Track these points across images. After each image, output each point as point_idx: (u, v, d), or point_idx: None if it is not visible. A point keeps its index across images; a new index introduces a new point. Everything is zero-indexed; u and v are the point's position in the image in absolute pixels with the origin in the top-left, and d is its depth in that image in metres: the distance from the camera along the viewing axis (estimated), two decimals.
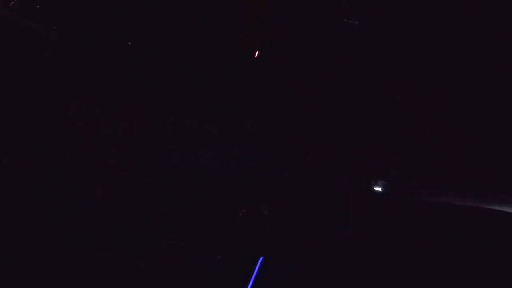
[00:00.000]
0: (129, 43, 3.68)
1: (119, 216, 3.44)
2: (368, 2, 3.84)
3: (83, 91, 3.53)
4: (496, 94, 3.69)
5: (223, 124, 3.89)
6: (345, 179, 3.68)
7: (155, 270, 3.21)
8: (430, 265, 3.07)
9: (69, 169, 3.38)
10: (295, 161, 3.79)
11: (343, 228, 3.28)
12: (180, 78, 3.85)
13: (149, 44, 3.74)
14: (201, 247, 3.34)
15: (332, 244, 3.23)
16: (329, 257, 3.17)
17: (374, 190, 3.66)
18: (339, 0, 3.87)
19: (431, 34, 3.70)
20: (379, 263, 3.10)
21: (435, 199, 3.51)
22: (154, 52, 3.77)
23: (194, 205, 3.55)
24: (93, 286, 3.07)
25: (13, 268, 2.98)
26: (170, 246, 3.38)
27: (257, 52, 3.87)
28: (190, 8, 3.80)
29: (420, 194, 3.59)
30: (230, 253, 3.26)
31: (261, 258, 3.06)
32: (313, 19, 3.90)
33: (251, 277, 2.99)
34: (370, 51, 3.85)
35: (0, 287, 2.94)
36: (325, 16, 3.90)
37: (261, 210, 3.43)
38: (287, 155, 3.82)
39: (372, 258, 3.12)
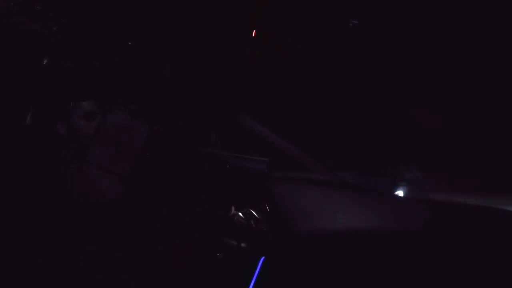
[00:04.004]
0: (129, 43, 3.67)
1: (120, 216, 3.43)
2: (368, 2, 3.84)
3: (85, 91, 3.52)
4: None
5: (223, 123, 3.89)
6: (350, 178, 3.68)
7: (155, 269, 3.21)
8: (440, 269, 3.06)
9: (70, 168, 3.37)
10: (297, 160, 3.79)
11: (346, 228, 3.28)
12: (180, 77, 3.85)
13: (149, 43, 3.73)
14: (201, 247, 3.33)
15: (334, 244, 3.23)
16: (331, 257, 3.17)
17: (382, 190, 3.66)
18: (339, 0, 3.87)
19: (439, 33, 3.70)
20: (384, 264, 3.09)
21: (453, 200, 3.50)
22: (154, 52, 3.76)
23: (195, 204, 3.54)
24: (93, 285, 3.06)
25: (13, 267, 2.97)
26: (170, 245, 3.37)
27: (253, 31, 3.85)
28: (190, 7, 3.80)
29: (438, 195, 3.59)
30: (231, 253, 3.25)
31: (262, 258, 3.06)
32: (313, 19, 3.90)
33: (253, 277, 2.99)
34: (373, 49, 3.85)
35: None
36: (324, 16, 3.90)
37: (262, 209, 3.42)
38: (289, 154, 3.82)
39: (376, 260, 3.11)
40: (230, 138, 3.89)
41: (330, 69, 3.93)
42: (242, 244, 3.31)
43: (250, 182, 3.60)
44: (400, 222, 3.33)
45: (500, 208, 3.39)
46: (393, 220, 3.34)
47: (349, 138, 3.93)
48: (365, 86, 3.92)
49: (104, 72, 3.58)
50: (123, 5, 3.64)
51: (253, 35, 3.90)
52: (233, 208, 3.54)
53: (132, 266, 3.21)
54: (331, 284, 3.11)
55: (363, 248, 3.21)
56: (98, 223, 3.35)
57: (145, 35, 3.71)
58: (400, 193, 3.72)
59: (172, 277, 3.20)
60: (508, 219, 3.32)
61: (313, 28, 3.90)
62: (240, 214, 3.51)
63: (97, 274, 3.12)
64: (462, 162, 3.73)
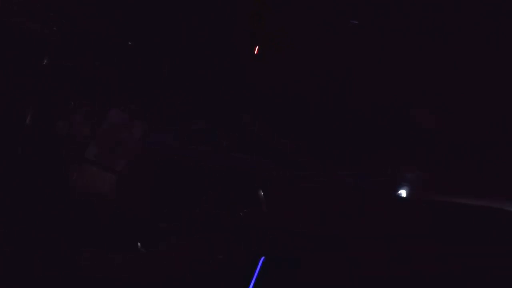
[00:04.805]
0: (129, 43, 3.67)
1: (120, 216, 3.43)
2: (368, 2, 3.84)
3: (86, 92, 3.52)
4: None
5: (223, 123, 3.89)
6: (351, 178, 3.67)
7: (156, 270, 3.20)
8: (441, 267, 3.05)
9: (70, 168, 3.37)
10: (298, 160, 3.79)
11: (346, 228, 3.28)
12: (180, 77, 3.85)
13: (149, 43, 3.73)
14: (201, 247, 3.33)
15: (335, 244, 3.22)
16: (331, 257, 3.16)
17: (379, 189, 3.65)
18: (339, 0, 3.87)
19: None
20: (384, 264, 3.09)
21: (454, 200, 3.50)
22: (154, 52, 3.76)
23: (195, 204, 3.54)
24: (94, 285, 3.06)
25: (13, 267, 2.97)
26: (170, 246, 3.37)
27: (256, 47, 3.86)
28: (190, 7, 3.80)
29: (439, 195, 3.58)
30: (231, 253, 3.25)
31: (262, 258, 3.05)
32: (312, 19, 3.90)
33: (253, 277, 2.99)
34: (373, 49, 3.84)
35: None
36: (324, 16, 3.90)
37: (261, 208, 3.42)
38: (290, 154, 3.82)
39: (377, 260, 3.11)
40: (230, 138, 3.89)
41: (330, 69, 3.93)
42: (242, 244, 3.30)
43: (250, 182, 3.60)
44: (400, 222, 3.33)
45: (500, 208, 3.39)
46: (393, 220, 3.34)
47: (349, 138, 3.93)
48: (365, 86, 3.92)
49: (104, 72, 3.58)
50: (123, 5, 3.64)
51: (256, 52, 3.91)
52: (233, 208, 3.53)
53: (132, 266, 3.20)
54: (331, 284, 3.11)
55: (363, 248, 3.20)
56: (98, 223, 3.35)
57: (145, 35, 3.71)
58: (400, 193, 3.72)
59: (172, 277, 3.20)
60: (508, 219, 3.32)
61: (313, 28, 3.90)
62: (241, 214, 3.51)
63: (97, 274, 3.12)
64: (462, 162, 3.73)
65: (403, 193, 3.69)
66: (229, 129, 3.93)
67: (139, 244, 3.25)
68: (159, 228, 3.43)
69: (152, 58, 3.75)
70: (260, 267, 3.02)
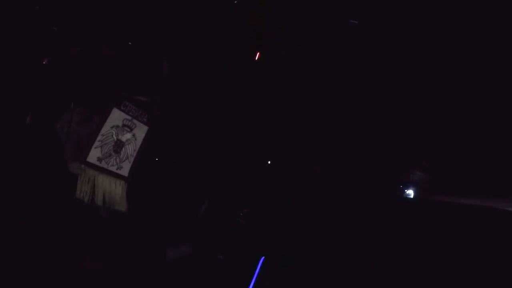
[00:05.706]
0: (130, 43, 3.67)
1: (120, 216, 3.44)
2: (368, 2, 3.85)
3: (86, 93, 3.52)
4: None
5: (223, 123, 3.90)
6: (352, 179, 3.69)
7: (156, 270, 3.21)
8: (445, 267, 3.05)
9: (70, 168, 3.37)
10: (299, 161, 3.80)
11: (346, 228, 3.28)
12: (179, 77, 3.86)
13: (150, 44, 3.74)
14: (202, 247, 3.33)
15: (334, 244, 3.22)
16: (331, 257, 3.17)
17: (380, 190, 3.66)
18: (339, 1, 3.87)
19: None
20: (384, 264, 3.08)
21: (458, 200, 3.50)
22: (155, 52, 3.77)
23: (195, 205, 3.55)
24: (94, 285, 3.07)
25: (13, 267, 2.97)
26: (171, 246, 3.37)
27: (257, 54, 3.87)
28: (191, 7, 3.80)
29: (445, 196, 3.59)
30: (231, 253, 3.25)
31: (262, 258, 3.05)
32: (313, 19, 3.90)
33: (253, 277, 2.99)
34: (373, 49, 3.85)
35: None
36: (325, 16, 3.91)
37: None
38: (289, 154, 3.82)
39: (377, 259, 3.10)
40: (230, 139, 3.89)
41: (330, 69, 3.93)
42: (243, 244, 3.31)
43: (249, 182, 3.60)
44: (401, 222, 3.33)
45: (500, 208, 3.39)
46: (393, 220, 3.34)
47: (349, 138, 3.93)
48: (365, 86, 3.92)
49: (104, 72, 3.58)
50: (123, 5, 3.64)
51: (257, 58, 3.92)
52: (233, 208, 3.54)
53: (132, 267, 3.21)
54: (331, 284, 3.11)
55: (363, 248, 3.21)
56: (98, 224, 3.36)
57: (145, 35, 3.71)
58: (401, 193, 3.73)
59: (173, 277, 3.20)
60: (508, 219, 3.33)
61: (313, 28, 3.91)
62: (241, 214, 3.51)
63: (98, 275, 3.12)
64: (462, 162, 3.74)
65: (404, 193, 3.70)
66: (228, 129, 3.93)
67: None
68: (160, 230, 3.43)
69: (152, 58, 3.75)
70: (260, 267, 3.02)
